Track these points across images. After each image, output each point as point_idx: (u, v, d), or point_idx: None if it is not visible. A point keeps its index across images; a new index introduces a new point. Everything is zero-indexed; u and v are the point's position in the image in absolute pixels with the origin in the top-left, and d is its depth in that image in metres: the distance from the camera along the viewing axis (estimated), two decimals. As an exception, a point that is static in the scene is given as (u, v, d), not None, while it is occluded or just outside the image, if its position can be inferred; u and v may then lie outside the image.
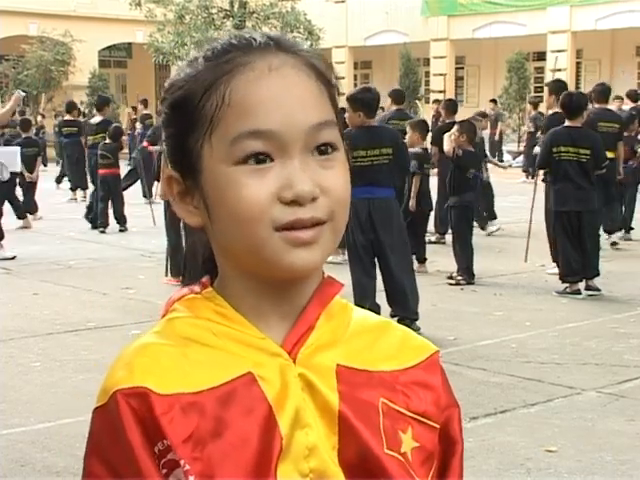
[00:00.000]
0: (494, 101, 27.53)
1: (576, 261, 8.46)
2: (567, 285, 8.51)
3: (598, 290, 8.44)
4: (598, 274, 8.51)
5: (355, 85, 33.88)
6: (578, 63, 32.87)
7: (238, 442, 0.99)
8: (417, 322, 6.88)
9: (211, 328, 1.04)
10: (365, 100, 7.06)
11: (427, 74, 34.26)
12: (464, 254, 9.12)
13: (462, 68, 36.04)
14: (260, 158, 0.98)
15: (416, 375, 1.10)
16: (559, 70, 31.18)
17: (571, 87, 29.37)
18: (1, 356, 6.48)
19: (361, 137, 6.93)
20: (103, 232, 13.18)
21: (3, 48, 33.71)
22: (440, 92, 27.11)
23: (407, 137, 9.71)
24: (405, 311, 6.94)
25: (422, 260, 9.73)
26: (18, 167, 11.73)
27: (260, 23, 29.48)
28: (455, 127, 9.69)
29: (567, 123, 8.60)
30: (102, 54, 37.64)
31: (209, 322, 1.04)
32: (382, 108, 11.90)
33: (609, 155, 9.44)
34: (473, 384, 5.61)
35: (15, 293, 8.67)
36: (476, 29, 33.11)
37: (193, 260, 1.15)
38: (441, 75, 32.08)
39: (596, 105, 11.11)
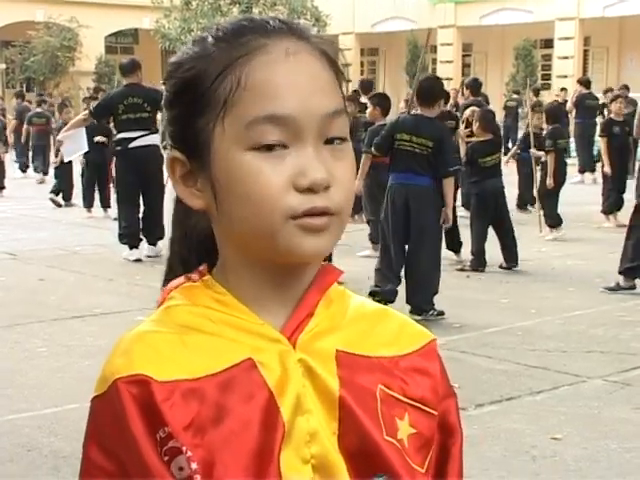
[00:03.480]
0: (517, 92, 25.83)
1: None
2: (618, 281, 8.05)
3: None
4: None
5: (362, 72, 33.85)
6: (586, 51, 32.75)
7: (239, 428, 0.98)
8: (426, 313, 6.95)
9: (209, 315, 1.03)
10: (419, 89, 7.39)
11: (434, 61, 34.17)
12: (475, 240, 9.08)
13: (469, 55, 35.94)
14: (275, 144, 0.97)
15: (414, 361, 1.10)
16: (566, 57, 31.14)
17: (579, 75, 29.30)
18: (7, 341, 6.50)
19: (407, 122, 7.13)
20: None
21: (10, 34, 33.73)
22: (447, 80, 27.00)
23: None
24: (414, 299, 7.02)
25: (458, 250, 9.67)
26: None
27: (267, 9, 29.43)
28: (475, 116, 9.66)
29: None
30: (108, 40, 37.60)
31: (207, 309, 1.03)
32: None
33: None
34: (479, 371, 5.61)
35: (21, 279, 8.68)
36: (483, 16, 33.01)
37: (184, 250, 1.12)
38: (448, 62, 32.04)
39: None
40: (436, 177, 7.08)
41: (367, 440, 1.02)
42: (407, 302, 7.02)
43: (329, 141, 0.99)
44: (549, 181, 10.98)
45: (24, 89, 32.19)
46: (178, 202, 1.10)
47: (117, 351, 1.02)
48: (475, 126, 9.33)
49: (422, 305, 6.99)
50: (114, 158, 10.57)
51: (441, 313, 7.01)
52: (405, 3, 33.78)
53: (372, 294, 6.97)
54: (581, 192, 14.55)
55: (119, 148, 9.72)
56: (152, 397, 0.97)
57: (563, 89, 23.57)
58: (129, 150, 9.51)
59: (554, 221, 11.15)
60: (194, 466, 0.97)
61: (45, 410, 4.99)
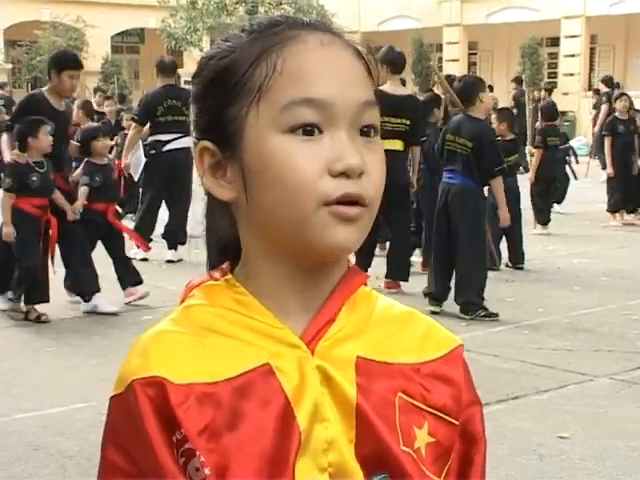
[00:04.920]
0: (518, 80, 24.42)
1: None
2: None
3: None
4: None
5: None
6: (592, 49, 32.68)
7: (254, 434, 0.98)
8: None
9: (228, 317, 1.02)
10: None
11: (440, 60, 34.13)
12: (492, 239, 9.05)
13: (475, 54, 35.87)
14: (310, 128, 0.97)
15: (437, 368, 1.08)
16: (572, 55, 31.09)
17: (585, 73, 29.24)
18: (15, 341, 6.52)
19: (453, 123, 7.30)
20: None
21: (16, 34, 33.78)
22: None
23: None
24: (458, 299, 7.14)
25: None
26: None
27: (272, 8, 29.42)
28: (494, 116, 9.66)
29: None
30: (115, 40, 37.62)
31: (226, 310, 1.03)
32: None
33: None
34: (485, 370, 5.61)
35: (28, 278, 8.67)
36: (489, 14, 32.95)
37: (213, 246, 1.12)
38: (454, 61, 31.99)
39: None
40: (479, 177, 7.11)
41: (384, 450, 1.01)
42: (455, 302, 7.15)
43: (363, 133, 1.00)
44: (530, 176, 11.04)
45: (29, 89, 32.23)
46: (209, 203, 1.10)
47: (135, 351, 1.02)
48: (503, 126, 9.31)
49: (466, 305, 7.05)
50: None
51: (492, 314, 7.00)
52: (411, 2, 33.72)
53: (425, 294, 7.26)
54: (589, 190, 14.52)
55: (153, 151, 9.50)
56: (167, 400, 0.97)
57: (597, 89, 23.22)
58: (163, 153, 9.37)
59: (542, 218, 11.14)
60: (207, 471, 0.96)
61: (52, 409, 5.00)
